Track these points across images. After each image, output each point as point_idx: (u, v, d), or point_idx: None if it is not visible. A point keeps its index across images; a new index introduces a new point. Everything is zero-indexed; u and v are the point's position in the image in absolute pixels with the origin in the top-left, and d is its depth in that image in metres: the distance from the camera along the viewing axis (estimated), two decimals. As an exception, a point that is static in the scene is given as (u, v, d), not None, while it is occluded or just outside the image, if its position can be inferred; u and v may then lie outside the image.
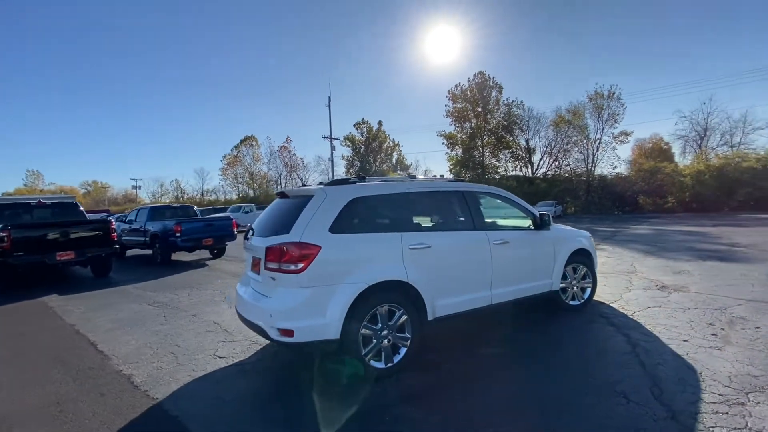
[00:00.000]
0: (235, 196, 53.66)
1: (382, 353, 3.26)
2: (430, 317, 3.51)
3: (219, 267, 10.09)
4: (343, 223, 3.27)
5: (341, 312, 3.04)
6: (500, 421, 2.54)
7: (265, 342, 4.02)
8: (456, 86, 44.71)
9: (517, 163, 44.04)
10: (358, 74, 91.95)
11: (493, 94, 43.51)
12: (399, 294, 3.35)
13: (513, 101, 42.95)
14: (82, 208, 9.65)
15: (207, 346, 4.16)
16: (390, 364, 3.27)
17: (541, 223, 4.53)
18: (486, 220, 4.19)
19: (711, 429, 2.32)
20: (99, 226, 8.63)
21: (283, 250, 3.10)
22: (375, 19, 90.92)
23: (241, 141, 56.95)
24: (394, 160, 59.44)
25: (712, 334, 3.88)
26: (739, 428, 2.32)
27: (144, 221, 11.41)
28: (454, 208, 4.11)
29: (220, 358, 3.82)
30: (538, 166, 43.64)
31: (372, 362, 3.20)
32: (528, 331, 4.31)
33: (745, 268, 7.12)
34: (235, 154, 56.91)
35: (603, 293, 5.63)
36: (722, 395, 2.70)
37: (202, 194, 58.28)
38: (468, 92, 43.93)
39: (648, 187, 31.50)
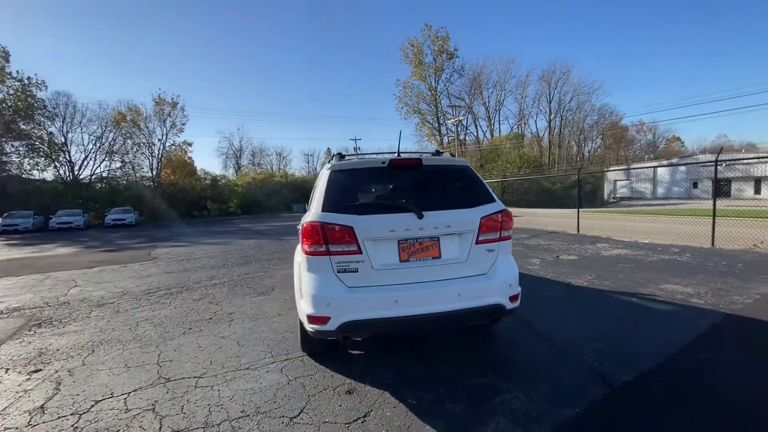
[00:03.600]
0: None
1: None
2: None
3: None
4: None
5: None
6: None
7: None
8: None
9: (40, 159, 32.39)
10: None
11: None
12: None
13: (31, 78, 30.30)
14: None
15: None
16: None
17: None
18: None
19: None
20: None
21: (503, 219, 2.99)
22: None
23: None
24: None
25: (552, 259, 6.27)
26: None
27: None
28: None
29: None
30: (81, 166, 34.64)
31: None
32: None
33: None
34: None
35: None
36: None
37: None
38: None
39: (212, 194, 34.62)
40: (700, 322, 3.65)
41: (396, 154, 3.19)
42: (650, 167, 38.31)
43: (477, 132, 52.44)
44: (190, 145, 40.38)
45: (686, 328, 3.52)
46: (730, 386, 2.55)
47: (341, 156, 3.31)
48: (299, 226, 5.79)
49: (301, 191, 33.93)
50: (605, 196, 42.53)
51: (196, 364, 3.24)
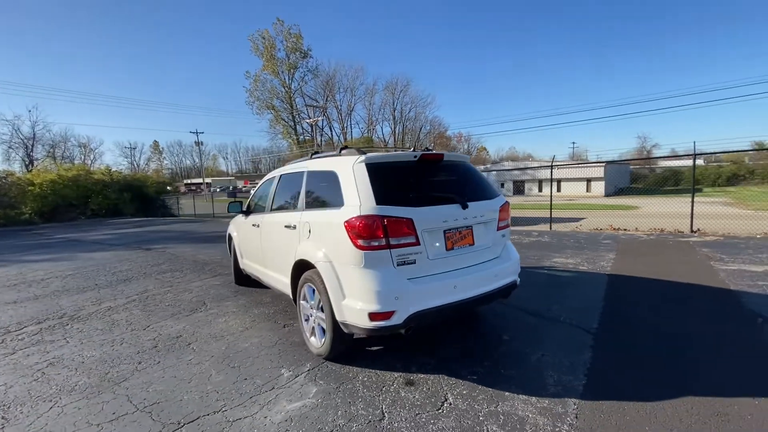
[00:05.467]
0: None
1: None
2: None
3: None
4: None
5: None
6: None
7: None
8: None
9: None
10: None
11: None
12: None
13: None
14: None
15: None
16: None
17: None
18: None
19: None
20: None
21: (508, 209, 3.47)
22: None
23: None
24: None
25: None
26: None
27: None
28: None
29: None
30: None
31: None
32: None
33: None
34: None
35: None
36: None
37: None
38: None
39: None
40: (599, 281, 5.01)
41: (410, 149, 3.31)
42: (512, 170, 46.51)
43: (331, 134, 53.75)
44: None
45: (595, 286, 4.79)
46: (644, 312, 3.69)
47: (360, 150, 3.20)
48: (236, 226, 5.11)
49: (133, 191, 27.97)
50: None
51: (198, 399, 2.63)
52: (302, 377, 2.87)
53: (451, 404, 2.45)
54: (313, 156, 3.83)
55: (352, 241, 2.68)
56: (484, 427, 2.20)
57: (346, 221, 2.72)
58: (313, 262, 3.07)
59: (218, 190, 66.43)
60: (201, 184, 67.29)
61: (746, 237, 7.72)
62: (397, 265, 2.68)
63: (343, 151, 3.33)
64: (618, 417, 2.24)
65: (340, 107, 54.23)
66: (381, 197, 2.73)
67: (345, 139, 54.91)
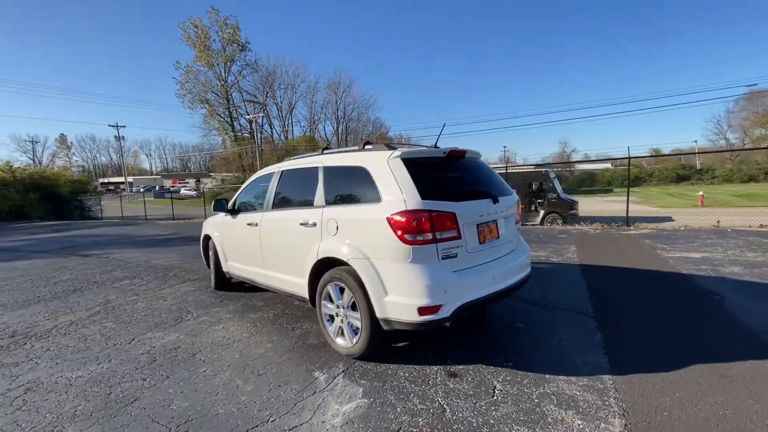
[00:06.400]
0: None
1: None
2: None
3: None
4: None
5: None
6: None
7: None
8: None
9: None
10: None
11: None
12: None
13: None
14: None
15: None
16: None
17: None
18: None
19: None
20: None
21: (520, 204, 3.71)
22: None
23: None
24: None
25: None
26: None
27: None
28: None
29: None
30: None
31: None
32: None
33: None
34: None
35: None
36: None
37: None
38: None
39: None
40: (574, 271, 5.49)
41: (434, 146, 3.36)
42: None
43: (272, 132, 51.75)
44: None
45: (573, 276, 5.24)
46: (626, 296, 4.15)
47: (388, 145, 3.17)
48: (217, 226, 4.74)
49: (41, 191, 24.40)
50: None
51: (237, 411, 2.42)
52: (341, 378, 2.78)
53: (502, 391, 2.54)
54: (325, 151, 3.71)
55: (397, 236, 2.66)
56: (543, 408, 2.33)
57: (390, 216, 2.69)
58: (344, 260, 2.98)
59: (141, 189, 60.53)
60: (122, 183, 60.62)
61: (672, 230, 8.97)
62: (442, 259, 2.72)
63: (367, 146, 3.28)
64: (650, 387, 2.51)
65: (280, 104, 52.43)
66: (425, 192, 2.74)
67: (286, 137, 53.24)
